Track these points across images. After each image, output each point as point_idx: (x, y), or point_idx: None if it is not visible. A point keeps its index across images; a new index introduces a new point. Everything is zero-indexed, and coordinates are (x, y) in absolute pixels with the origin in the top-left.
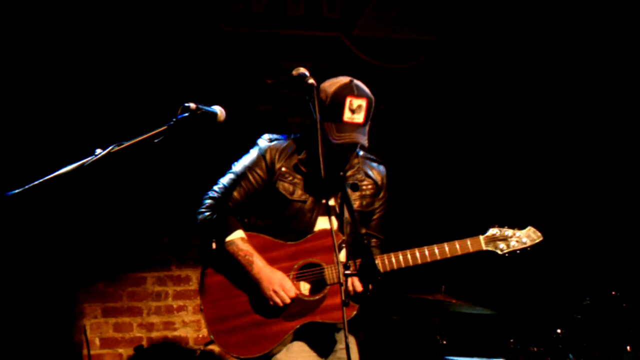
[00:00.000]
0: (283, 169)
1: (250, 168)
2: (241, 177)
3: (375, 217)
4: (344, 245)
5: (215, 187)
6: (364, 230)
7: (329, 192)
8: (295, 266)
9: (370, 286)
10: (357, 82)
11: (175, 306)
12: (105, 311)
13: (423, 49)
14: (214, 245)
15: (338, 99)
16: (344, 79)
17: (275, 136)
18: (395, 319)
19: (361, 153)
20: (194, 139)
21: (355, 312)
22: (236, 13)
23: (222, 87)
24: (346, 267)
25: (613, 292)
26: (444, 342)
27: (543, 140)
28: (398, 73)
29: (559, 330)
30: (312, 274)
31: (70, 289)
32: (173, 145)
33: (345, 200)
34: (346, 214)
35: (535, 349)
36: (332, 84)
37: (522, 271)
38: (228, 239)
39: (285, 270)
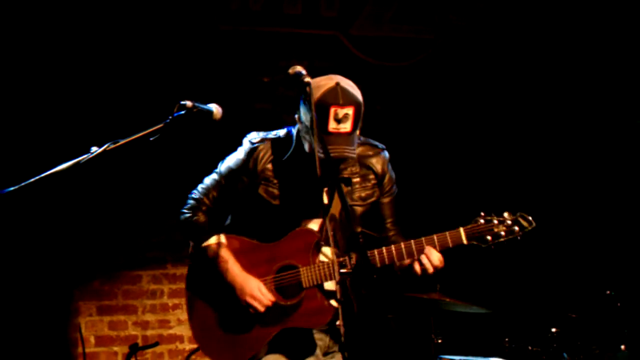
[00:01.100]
0: (267, 172)
1: (233, 169)
2: (224, 177)
3: (382, 205)
4: (322, 243)
5: (199, 187)
6: (359, 229)
7: (318, 192)
8: (273, 269)
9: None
10: (344, 84)
11: (170, 304)
12: (101, 309)
13: (420, 48)
14: (190, 249)
15: (322, 108)
16: (329, 82)
17: (261, 135)
18: (390, 317)
19: (362, 139)
20: (190, 137)
21: (330, 317)
22: (234, 11)
23: (219, 85)
24: (342, 265)
25: (608, 292)
26: (439, 341)
27: (539, 139)
28: (395, 72)
29: (553, 330)
30: (288, 277)
31: (66, 286)
32: (169, 143)
33: (340, 198)
34: (334, 212)
35: (530, 348)
36: (318, 88)
37: (517, 270)
38: (204, 244)
39: (263, 275)
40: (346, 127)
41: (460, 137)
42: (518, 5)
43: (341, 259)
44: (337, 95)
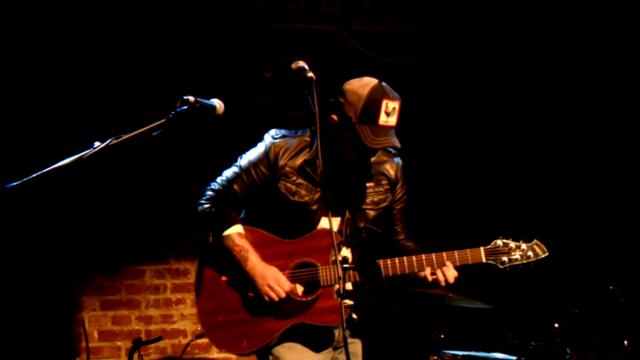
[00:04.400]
0: (287, 168)
1: (253, 163)
2: (244, 171)
3: (394, 211)
4: (342, 246)
5: (218, 179)
6: (362, 224)
7: (336, 194)
8: (291, 265)
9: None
10: (384, 83)
11: (173, 299)
12: (104, 304)
13: (423, 43)
14: (210, 239)
15: (374, 102)
16: (372, 80)
17: (283, 132)
18: (393, 312)
19: None
20: (193, 132)
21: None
22: (236, 6)
23: (221, 80)
24: (344, 260)
25: (611, 287)
26: (442, 336)
27: (543, 137)
28: (398, 67)
29: (556, 325)
30: (306, 274)
31: (69, 281)
32: (172, 138)
33: (344, 198)
34: (347, 214)
35: (533, 343)
36: (362, 86)
37: (520, 265)
38: (225, 233)
39: (280, 268)
40: (393, 120)
41: (464, 134)
42: (522, 1)
43: (344, 255)
44: (385, 90)
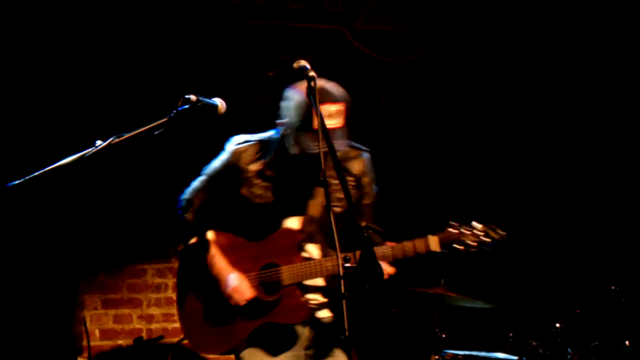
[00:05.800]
0: (248, 173)
1: (218, 170)
2: (209, 179)
3: (361, 206)
4: (304, 243)
5: (188, 189)
6: (364, 223)
7: (298, 193)
8: (258, 266)
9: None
10: (327, 85)
11: (175, 298)
12: (106, 303)
13: (425, 42)
14: (181, 246)
15: (309, 108)
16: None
17: (245, 137)
18: (394, 312)
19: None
20: (194, 131)
21: (306, 314)
22: (238, 5)
23: (223, 79)
24: (346, 260)
25: (612, 287)
26: (443, 336)
27: (546, 136)
28: (400, 66)
29: (558, 325)
30: (271, 275)
31: (71, 280)
32: (173, 137)
33: (304, 197)
34: (313, 212)
35: (535, 343)
36: (300, 91)
37: (522, 265)
38: (192, 240)
39: (248, 271)
40: (334, 123)
41: (464, 133)
42: (523, 1)
43: (345, 254)
44: (323, 94)
